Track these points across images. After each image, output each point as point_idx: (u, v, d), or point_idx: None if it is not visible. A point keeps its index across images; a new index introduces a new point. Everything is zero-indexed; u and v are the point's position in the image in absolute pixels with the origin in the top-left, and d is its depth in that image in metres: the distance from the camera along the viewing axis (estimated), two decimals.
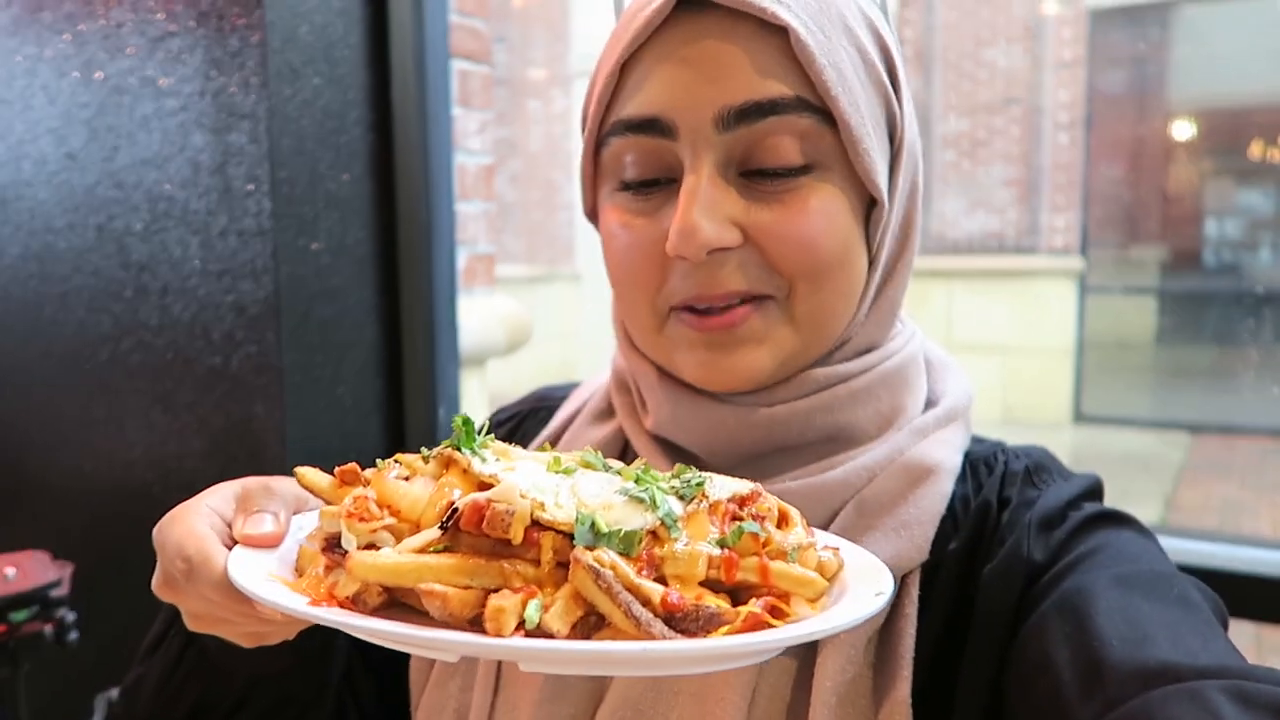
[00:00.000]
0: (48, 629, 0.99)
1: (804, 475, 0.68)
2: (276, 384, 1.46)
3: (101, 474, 1.68)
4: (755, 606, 0.48)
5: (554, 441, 0.82)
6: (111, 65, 1.57)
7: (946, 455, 0.70)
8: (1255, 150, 7.51)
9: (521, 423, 0.91)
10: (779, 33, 0.63)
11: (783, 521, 0.56)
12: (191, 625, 0.62)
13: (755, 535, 0.51)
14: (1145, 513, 0.71)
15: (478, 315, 1.88)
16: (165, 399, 1.59)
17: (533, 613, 0.45)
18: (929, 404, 0.75)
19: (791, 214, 0.64)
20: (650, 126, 0.65)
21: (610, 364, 0.82)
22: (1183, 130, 7.99)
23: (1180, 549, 1.17)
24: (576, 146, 0.73)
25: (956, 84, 8.18)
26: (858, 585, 0.54)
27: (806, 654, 0.65)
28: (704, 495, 0.53)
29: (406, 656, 0.79)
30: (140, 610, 0.79)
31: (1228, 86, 7.60)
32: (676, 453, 0.73)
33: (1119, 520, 0.68)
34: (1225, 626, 0.60)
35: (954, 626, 0.66)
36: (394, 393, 1.64)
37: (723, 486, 0.55)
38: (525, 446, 0.85)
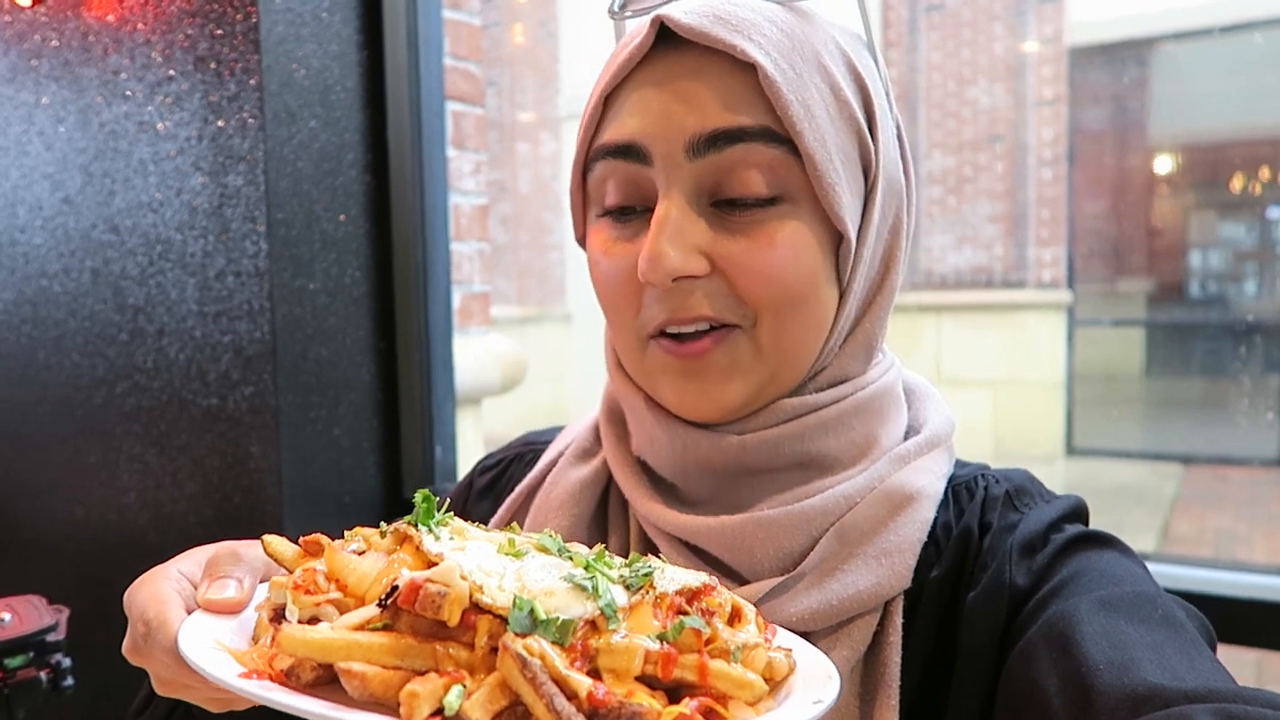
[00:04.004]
0: (43, 675, 0.98)
1: (782, 503, 0.69)
2: (273, 424, 1.46)
3: (95, 519, 1.67)
4: (686, 707, 0.46)
5: (539, 483, 0.82)
6: (109, 111, 1.59)
7: (928, 482, 0.70)
8: (1236, 184, 7.62)
9: (508, 468, 0.92)
10: (750, 69, 0.65)
11: (735, 618, 0.54)
12: (159, 690, 0.61)
13: (698, 631, 0.49)
14: (1141, 544, 0.71)
15: (473, 354, 1.88)
16: (160, 441, 1.58)
17: (453, 699, 0.43)
18: (911, 432, 0.76)
19: (758, 245, 0.66)
20: (627, 151, 0.68)
21: (601, 397, 0.83)
22: (1165, 165, 8.10)
23: (1176, 575, 1.18)
24: (566, 188, 0.76)
25: (941, 122, 8.30)
26: (803, 691, 0.52)
27: None
28: (651, 586, 0.51)
29: None
30: None
31: (1207, 122, 7.73)
32: (653, 478, 0.74)
33: (1101, 541, 0.68)
34: (1212, 645, 0.60)
35: (939, 654, 0.66)
36: (390, 433, 1.63)
37: (673, 579, 0.53)
38: (511, 491, 0.86)
